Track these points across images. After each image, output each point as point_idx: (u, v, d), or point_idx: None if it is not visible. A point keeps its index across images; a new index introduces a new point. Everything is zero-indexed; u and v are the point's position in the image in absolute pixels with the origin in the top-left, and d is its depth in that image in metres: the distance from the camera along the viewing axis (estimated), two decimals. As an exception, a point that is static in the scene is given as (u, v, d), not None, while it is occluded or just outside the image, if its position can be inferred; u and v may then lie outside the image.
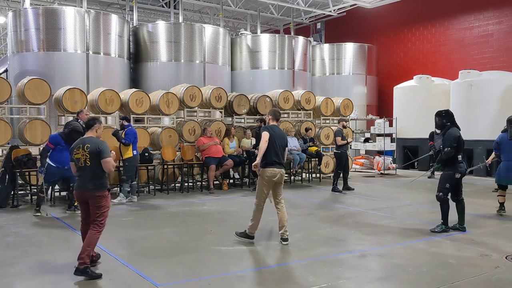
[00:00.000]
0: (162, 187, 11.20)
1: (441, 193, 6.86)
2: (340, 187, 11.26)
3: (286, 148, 6.39)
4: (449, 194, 6.90)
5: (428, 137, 13.39)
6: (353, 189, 11.31)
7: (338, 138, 11.15)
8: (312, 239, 6.54)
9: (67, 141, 7.98)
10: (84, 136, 5.16)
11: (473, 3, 17.64)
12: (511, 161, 8.17)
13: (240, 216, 8.09)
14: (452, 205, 6.97)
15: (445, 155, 6.76)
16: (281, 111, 13.71)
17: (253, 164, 6.16)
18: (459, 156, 6.77)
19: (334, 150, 11.62)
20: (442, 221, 6.92)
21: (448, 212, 6.89)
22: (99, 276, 4.78)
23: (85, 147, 4.95)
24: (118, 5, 19.98)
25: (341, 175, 11.32)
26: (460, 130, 6.94)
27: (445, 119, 6.93)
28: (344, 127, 11.66)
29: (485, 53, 17.18)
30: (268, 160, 6.08)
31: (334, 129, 13.76)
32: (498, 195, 8.49)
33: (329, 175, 13.12)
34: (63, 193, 9.78)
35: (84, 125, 9.02)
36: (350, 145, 14.97)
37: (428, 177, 13.14)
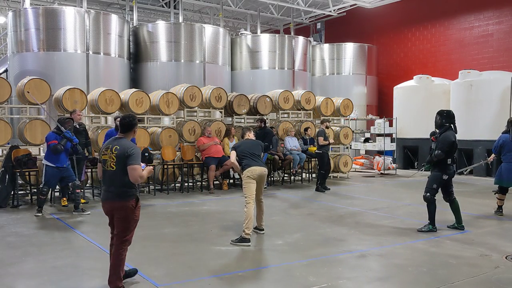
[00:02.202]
0: (162, 187, 11.20)
1: (428, 194, 6.93)
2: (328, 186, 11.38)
3: (262, 153, 7.14)
4: (436, 195, 6.94)
5: (429, 136, 13.39)
6: (329, 189, 11.31)
7: (321, 138, 11.23)
8: (312, 239, 6.54)
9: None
10: (117, 136, 4.53)
11: (473, 3, 17.63)
12: None
13: (240, 216, 8.06)
14: (446, 205, 7.03)
15: (435, 157, 6.81)
16: (281, 111, 13.83)
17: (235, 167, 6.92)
18: (448, 160, 6.80)
19: (316, 151, 11.66)
20: (429, 221, 6.98)
21: (435, 212, 6.95)
22: None
23: (114, 148, 4.34)
24: (118, 5, 19.98)
25: (323, 174, 11.39)
26: (457, 133, 6.95)
27: (445, 119, 6.93)
28: (327, 127, 11.69)
29: (485, 53, 17.18)
30: (248, 164, 6.58)
31: (334, 129, 13.85)
32: (498, 198, 8.43)
33: (328, 175, 13.08)
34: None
35: (78, 125, 9.11)
36: (350, 145, 14.98)
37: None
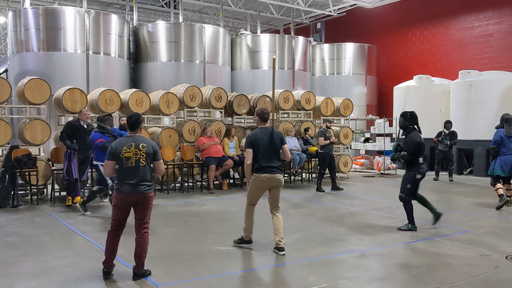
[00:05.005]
0: (162, 187, 11.20)
1: (402, 194, 7.09)
2: (329, 187, 11.36)
3: (285, 146, 5.86)
4: (411, 195, 7.09)
5: (435, 137, 13.52)
6: (342, 189, 11.34)
7: (321, 139, 11.30)
8: (312, 239, 6.54)
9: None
10: (132, 135, 4.87)
11: (473, 3, 17.63)
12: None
13: (240, 216, 8.04)
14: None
15: (402, 159, 7.08)
16: (281, 111, 13.82)
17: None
18: (420, 159, 7.00)
19: (318, 150, 11.68)
20: (408, 220, 7.08)
21: (412, 211, 7.06)
22: (150, 272, 4.91)
23: (141, 146, 4.74)
24: (118, 5, 19.98)
25: (323, 174, 11.45)
26: (421, 133, 7.18)
27: (408, 121, 7.17)
28: (328, 127, 11.72)
29: (485, 53, 17.18)
30: (259, 166, 5.73)
31: (335, 129, 13.84)
32: (499, 188, 8.78)
33: (328, 175, 13.11)
34: (63, 193, 9.77)
35: (86, 126, 9.10)
36: (350, 145, 14.98)
37: (434, 179, 13.30)
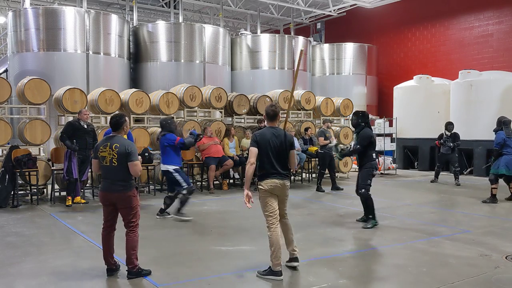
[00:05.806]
0: (162, 187, 11.19)
1: (363, 190, 7.27)
2: (329, 187, 11.36)
3: (293, 151, 5.07)
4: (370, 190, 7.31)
5: (437, 139, 13.39)
6: (342, 189, 11.34)
7: (321, 138, 11.34)
8: (312, 239, 6.54)
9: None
10: (111, 135, 4.95)
11: (473, 3, 17.64)
12: None
13: (241, 216, 8.10)
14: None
15: (354, 152, 7.51)
16: (281, 111, 13.74)
17: (244, 196, 5.08)
18: (373, 154, 7.31)
19: (318, 150, 11.71)
20: (371, 216, 7.23)
21: (373, 206, 7.25)
22: (150, 272, 4.92)
23: (114, 146, 4.78)
24: (118, 5, 19.98)
25: (323, 174, 11.48)
26: (372, 131, 7.52)
27: (360, 119, 7.48)
28: (329, 127, 11.71)
29: (485, 53, 17.18)
30: (265, 171, 4.96)
31: (335, 129, 13.85)
32: (494, 188, 9.42)
33: (328, 175, 13.12)
34: (63, 193, 9.78)
35: (86, 126, 9.11)
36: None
37: (431, 181, 13.19)
